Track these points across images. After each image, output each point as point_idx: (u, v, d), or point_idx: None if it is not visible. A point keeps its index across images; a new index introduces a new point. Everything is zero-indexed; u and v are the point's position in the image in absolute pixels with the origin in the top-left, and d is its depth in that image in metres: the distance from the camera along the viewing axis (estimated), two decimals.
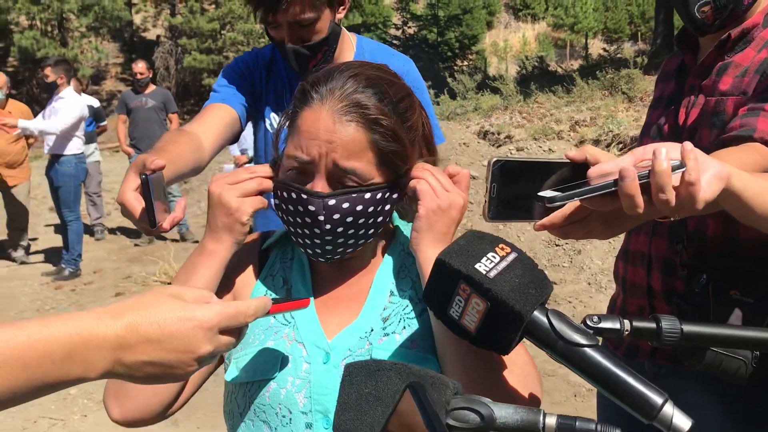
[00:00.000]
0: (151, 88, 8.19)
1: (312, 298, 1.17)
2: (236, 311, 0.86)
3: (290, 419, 1.08)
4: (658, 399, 0.76)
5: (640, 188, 0.93)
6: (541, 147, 8.59)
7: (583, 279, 5.92)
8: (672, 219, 1.06)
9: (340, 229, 1.10)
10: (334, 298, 1.20)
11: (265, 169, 1.16)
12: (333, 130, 1.07)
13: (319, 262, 1.17)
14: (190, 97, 20.97)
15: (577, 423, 0.74)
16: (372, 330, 1.13)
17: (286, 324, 1.16)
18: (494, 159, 0.97)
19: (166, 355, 0.80)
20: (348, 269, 1.21)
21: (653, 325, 0.87)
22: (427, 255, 1.09)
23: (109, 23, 23.59)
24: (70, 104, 6.97)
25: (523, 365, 1.09)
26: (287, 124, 1.16)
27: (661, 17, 17.18)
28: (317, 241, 1.11)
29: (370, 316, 1.15)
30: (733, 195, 1.04)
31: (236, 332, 0.88)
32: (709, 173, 0.97)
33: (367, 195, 1.10)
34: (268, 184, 1.15)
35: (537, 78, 16.07)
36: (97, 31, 23.49)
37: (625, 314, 0.97)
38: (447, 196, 1.10)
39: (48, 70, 6.90)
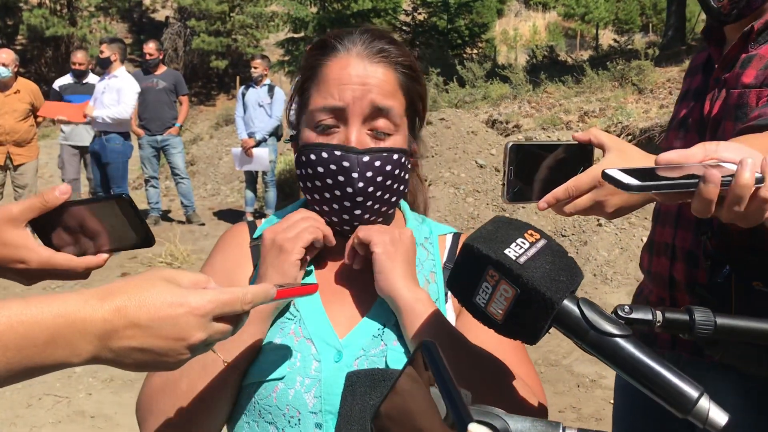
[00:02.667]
0: (162, 69, 8.20)
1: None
2: (232, 298, 0.81)
3: (299, 420, 1.04)
4: (693, 392, 0.73)
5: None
6: (550, 137, 8.55)
7: (589, 270, 5.91)
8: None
9: (371, 189, 1.08)
10: (341, 287, 1.16)
11: (318, 218, 1.11)
12: (365, 72, 1.09)
13: (345, 236, 1.13)
14: (198, 79, 20.95)
15: None
16: (384, 326, 1.09)
17: (291, 319, 1.10)
18: (510, 143, 0.99)
19: (156, 341, 0.76)
20: (360, 256, 1.16)
21: (686, 317, 0.83)
22: (405, 295, 1.05)
23: (119, 3, 23.57)
24: (129, 84, 7.32)
25: (528, 372, 1.09)
26: (303, 84, 1.15)
27: (673, 9, 17.04)
28: (347, 204, 1.08)
29: (382, 311, 1.11)
30: None
31: (233, 320, 0.83)
32: None
33: (395, 156, 1.10)
34: (327, 231, 1.11)
35: (546, 67, 15.97)
36: (106, 11, 23.46)
37: (651, 305, 0.95)
38: (392, 230, 1.10)
39: (104, 47, 7.36)
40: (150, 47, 8.08)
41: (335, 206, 1.09)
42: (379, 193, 1.10)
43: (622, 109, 10.37)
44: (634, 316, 0.81)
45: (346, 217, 1.10)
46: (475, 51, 21.90)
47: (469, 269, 0.83)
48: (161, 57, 8.17)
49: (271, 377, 1.05)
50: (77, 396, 4.07)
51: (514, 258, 0.79)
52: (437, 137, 8.13)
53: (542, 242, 0.83)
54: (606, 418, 3.80)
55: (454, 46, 21.09)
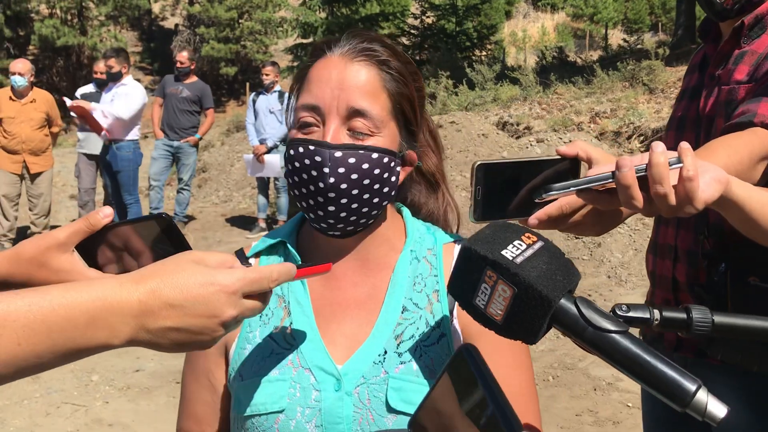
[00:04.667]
0: (192, 78, 8.21)
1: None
2: (259, 276, 0.84)
3: None
4: (691, 385, 0.75)
5: (637, 181, 0.93)
6: (561, 138, 8.53)
7: (603, 272, 5.89)
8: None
9: (344, 186, 1.05)
10: (339, 303, 1.13)
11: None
12: (344, 72, 1.07)
13: (328, 235, 1.11)
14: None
15: None
16: (385, 353, 1.07)
17: (288, 349, 1.09)
18: (477, 162, 0.98)
19: (191, 320, 0.79)
20: (355, 267, 1.15)
21: (683, 315, 0.85)
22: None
23: (128, 12, 23.74)
24: (135, 91, 7.33)
25: (531, 394, 1.11)
26: (297, 87, 1.14)
27: (682, 7, 16.99)
28: (320, 199, 1.06)
29: (383, 334, 1.09)
30: (734, 204, 1.03)
31: (261, 297, 0.86)
32: (708, 176, 0.97)
33: (374, 155, 1.06)
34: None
35: (556, 68, 15.94)
36: (116, 19, 23.66)
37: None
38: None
39: (113, 61, 7.33)
40: (183, 56, 8.13)
41: (311, 201, 1.08)
42: (355, 192, 1.06)
43: (633, 109, 10.33)
44: (632, 314, 0.83)
45: (320, 213, 1.08)
46: (483, 53, 21.91)
47: (468, 271, 0.84)
48: (192, 67, 8.19)
49: (271, 410, 1.05)
50: (95, 404, 4.09)
51: (511, 258, 0.81)
52: (447, 140, 8.13)
53: (539, 244, 0.84)
54: (624, 421, 3.79)
55: (462, 48, 21.10)
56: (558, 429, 3.71)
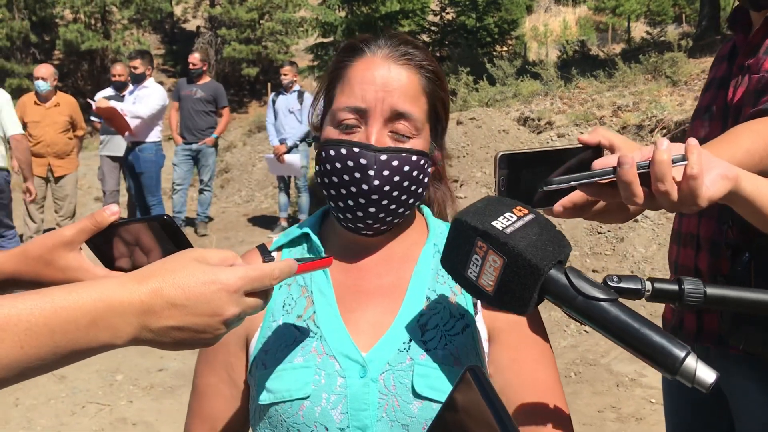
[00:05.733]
0: (205, 79, 8.30)
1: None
2: (261, 273, 0.84)
3: None
4: (680, 352, 0.75)
5: (639, 177, 0.93)
6: (582, 133, 8.44)
7: (626, 267, 5.82)
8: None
9: (387, 188, 1.08)
10: (363, 293, 1.14)
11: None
12: (389, 75, 1.10)
13: (361, 234, 1.13)
14: (230, 87, 21.16)
15: None
16: (410, 341, 1.08)
17: (312, 337, 1.10)
18: (500, 153, 1.00)
19: (193, 319, 0.79)
20: (378, 260, 1.17)
21: (675, 287, 0.85)
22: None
23: (150, 15, 23.98)
24: (156, 92, 7.47)
25: (559, 388, 1.12)
26: (327, 84, 1.16)
27: None
28: (361, 201, 1.08)
29: (407, 323, 1.10)
30: (744, 199, 1.02)
31: (262, 294, 0.86)
32: (715, 172, 0.96)
33: (414, 157, 1.10)
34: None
35: (578, 63, 15.79)
36: (138, 23, 23.89)
37: None
38: None
39: (137, 62, 7.48)
40: (195, 57, 8.21)
41: (350, 202, 1.09)
42: (395, 193, 1.09)
43: (656, 102, 10.19)
44: (623, 285, 0.84)
45: (360, 214, 1.10)
46: (504, 48, 21.78)
47: (459, 243, 0.85)
48: (204, 68, 8.26)
49: (296, 397, 1.05)
50: (119, 403, 4.14)
51: (501, 228, 0.82)
52: (468, 136, 8.10)
53: (530, 216, 0.85)
54: (647, 417, 3.75)
55: (483, 44, 20.99)
56: (580, 426, 3.68)
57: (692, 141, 0.95)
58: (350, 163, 1.07)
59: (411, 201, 1.13)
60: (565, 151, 1.02)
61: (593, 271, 5.89)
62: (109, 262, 1.03)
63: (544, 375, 1.10)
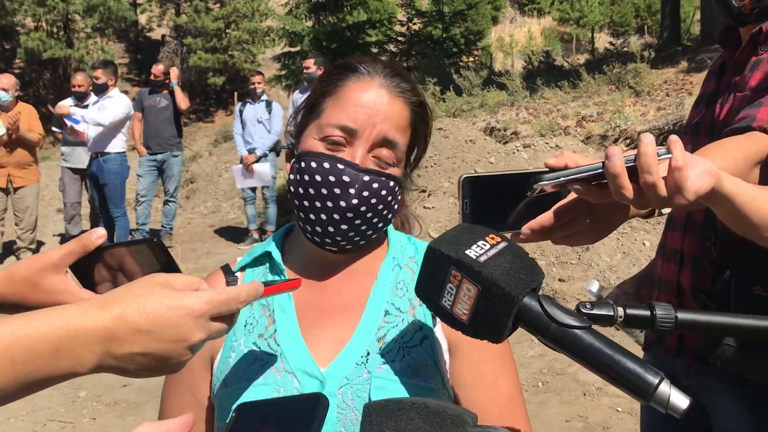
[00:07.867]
0: (168, 88, 8.19)
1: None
2: (227, 297, 0.83)
3: None
4: (653, 378, 0.75)
5: (627, 171, 0.94)
6: (548, 143, 8.55)
7: (591, 276, 5.89)
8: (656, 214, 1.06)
9: (363, 208, 1.09)
10: (323, 310, 1.15)
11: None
12: (383, 102, 1.12)
13: (326, 249, 1.14)
14: (196, 96, 20.98)
15: None
16: (368, 354, 1.09)
17: (272, 354, 1.11)
18: (463, 176, 1.00)
19: (159, 345, 0.77)
20: (341, 277, 1.18)
21: (647, 312, 0.86)
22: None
23: (115, 24, 23.65)
24: (119, 102, 7.37)
25: (520, 399, 1.16)
26: (317, 98, 1.16)
27: (667, 10, 17.06)
28: (336, 216, 1.09)
29: (365, 337, 1.11)
30: (724, 197, 1.03)
31: (228, 318, 0.85)
32: (700, 167, 0.97)
33: (391, 183, 1.12)
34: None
35: (543, 73, 16.00)
36: (102, 31, 23.54)
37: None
38: None
39: (99, 72, 7.35)
40: (158, 69, 8.11)
41: (323, 216, 1.10)
42: (369, 215, 1.11)
43: (619, 112, 10.37)
44: (595, 311, 0.84)
45: (330, 229, 1.10)
46: (471, 59, 21.96)
47: (433, 271, 0.85)
48: (167, 81, 8.13)
49: None
50: (82, 421, 4.05)
51: (474, 257, 0.82)
52: (436, 147, 8.14)
53: (503, 244, 0.86)
54: (613, 426, 3.78)
55: (449, 54, 21.13)
56: None
57: (673, 137, 0.96)
58: (332, 178, 1.08)
59: (380, 225, 1.15)
60: (531, 175, 1.00)
61: (560, 279, 5.95)
62: (91, 286, 1.01)
63: (506, 387, 1.14)
